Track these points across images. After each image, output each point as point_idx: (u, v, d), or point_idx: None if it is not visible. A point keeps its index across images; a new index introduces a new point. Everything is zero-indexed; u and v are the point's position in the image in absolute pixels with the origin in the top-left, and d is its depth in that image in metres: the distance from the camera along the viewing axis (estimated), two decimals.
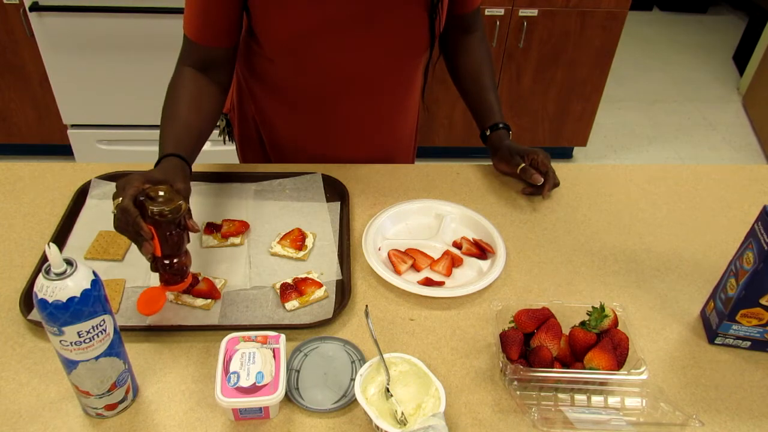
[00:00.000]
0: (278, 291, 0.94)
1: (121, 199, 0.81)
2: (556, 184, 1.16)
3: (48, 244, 0.64)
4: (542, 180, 1.12)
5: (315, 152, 1.23)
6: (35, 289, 0.66)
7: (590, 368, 0.79)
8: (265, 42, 1.04)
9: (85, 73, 2.25)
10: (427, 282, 0.98)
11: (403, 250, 1.03)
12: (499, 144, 1.19)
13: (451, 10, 1.13)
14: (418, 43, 1.08)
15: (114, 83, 2.28)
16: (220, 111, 1.08)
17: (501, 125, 1.21)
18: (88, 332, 0.68)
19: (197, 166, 1.18)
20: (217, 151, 2.43)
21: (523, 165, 1.15)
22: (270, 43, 1.04)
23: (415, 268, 1.01)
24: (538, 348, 0.81)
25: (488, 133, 1.21)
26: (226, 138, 1.36)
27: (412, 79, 1.19)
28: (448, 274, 1.00)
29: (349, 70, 1.09)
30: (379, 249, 1.04)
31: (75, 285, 0.65)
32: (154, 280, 0.95)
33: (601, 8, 2.41)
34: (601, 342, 0.81)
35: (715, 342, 0.90)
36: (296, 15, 0.99)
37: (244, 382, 0.75)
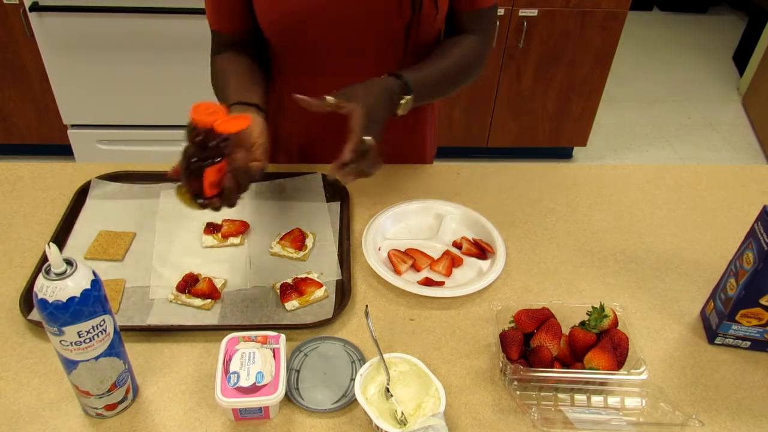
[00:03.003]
0: (278, 291, 0.94)
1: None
2: (363, 172, 0.89)
3: (48, 244, 0.64)
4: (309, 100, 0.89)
5: (316, 150, 1.23)
6: (35, 289, 0.66)
7: (590, 368, 0.79)
8: (261, 22, 1.05)
9: (85, 73, 2.26)
10: (427, 282, 0.98)
11: (403, 250, 1.03)
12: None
13: (450, 5, 1.06)
14: (398, 21, 1.01)
15: (114, 83, 2.28)
16: (267, 75, 1.12)
17: (402, 78, 0.97)
18: (88, 332, 0.68)
19: None
20: None
21: (330, 99, 0.90)
22: (265, 23, 1.05)
23: (415, 268, 1.01)
24: (538, 348, 0.81)
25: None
26: None
27: (397, 64, 1.08)
28: (448, 274, 1.00)
29: (342, 49, 1.07)
30: (379, 249, 1.04)
31: (75, 285, 0.65)
32: (155, 280, 0.95)
33: (601, 8, 2.41)
34: (601, 342, 0.81)
35: (715, 342, 0.90)
36: None
37: (244, 382, 0.75)
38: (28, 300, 0.89)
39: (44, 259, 0.97)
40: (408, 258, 1.02)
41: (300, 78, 1.13)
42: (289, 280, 0.95)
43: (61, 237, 1.02)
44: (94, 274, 0.68)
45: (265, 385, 0.75)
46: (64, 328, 0.67)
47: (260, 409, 0.76)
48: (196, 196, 0.82)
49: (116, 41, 2.18)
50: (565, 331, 0.84)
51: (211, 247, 1.02)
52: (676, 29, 4.28)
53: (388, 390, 0.78)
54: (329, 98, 0.88)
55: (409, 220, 1.11)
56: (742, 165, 1.30)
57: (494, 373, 0.85)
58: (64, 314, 0.66)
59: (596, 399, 0.81)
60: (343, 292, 0.94)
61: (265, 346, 0.80)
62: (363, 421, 0.78)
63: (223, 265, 0.99)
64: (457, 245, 1.06)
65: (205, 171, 0.79)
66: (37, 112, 2.51)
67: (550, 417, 0.78)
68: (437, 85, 1.06)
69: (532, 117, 2.72)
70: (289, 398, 0.79)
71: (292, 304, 0.92)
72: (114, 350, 0.73)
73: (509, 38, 2.46)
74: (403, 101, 0.97)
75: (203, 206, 0.83)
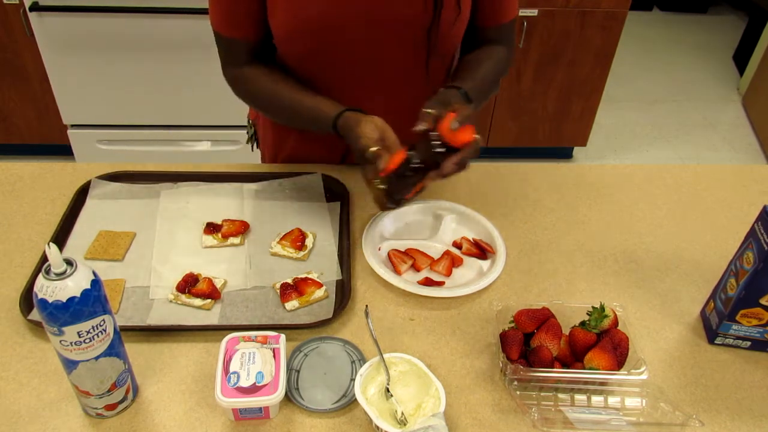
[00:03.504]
0: (278, 291, 0.94)
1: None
2: (461, 165, 0.89)
3: (48, 244, 0.64)
4: (418, 127, 0.88)
5: (330, 159, 1.21)
6: (35, 289, 0.66)
7: (590, 368, 0.79)
8: (278, 33, 1.01)
9: (85, 73, 2.25)
10: (427, 282, 0.98)
11: (403, 250, 1.03)
12: (438, 94, 0.98)
13: (473, 20, 1.07)
14: (421, 25, 1.01)
15: (114, 83, 2.28)
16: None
17: (461, 90, 0.98)
18: (88, 332, 0.68)
19: (197, 166, 1.18)
20: (221, 152, 2.44)
21: (425, 110, 0.89)
22: (281, 34, 1.01)
23: (415, 268, 1.01)
24: (538, 348, 0.81)
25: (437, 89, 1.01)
26: (254, 145, 1.33)
27: (421, 72, 1.10)
28: (448, 274, 1.00)
29: (357, 60, 1.04)
30: (379, 249, 1.04)
31: (75, 285, 0.65)
32: (155, 280, 0.95)
33: (601, 8, 2.41)
34: (601, 342, 0.81)
35: (715, 342, 0.90)
36: (307, 1, 0.96)
37: (244, 382, 0.75)
38: (28, 300, 0.89)
39: (44, 259, 0.97)
40: (408, 258, 1.02)
41: (311, 81, 1.08)
42: (289, 280, 0.95)
43: (61, 237, 1.02)
44: (94, 274, 0.68)
45: (265, 385, 0.75)
46: (64, 328, 0.67)
47: (260, 409, 0.76)
48: (392, 194, 0.89)
49: (116, 41, 2.18)
50: (565, 331, 0.84)
51: (211, 247, 1.02)
52: (676, 29, 4.28)
53: (388, 390, 0.78)
54: (430, 110, 0.89)
55: (409, 220, 1.11)
56: (742, 165, 1.30)
57: (494, 373, 0.85)
58: (64, 314, 0.66)
59: (596, 399, 0.81)
60: (343, 292, 0.94)
61: (265, 346, 0.80)
62: (363, 421, 0.78)
63: (223, 265, 0.99)
64: (457, 245, 1.06)
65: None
66: (37, 112, 2.51)
67: (550, 417, 0.78)
68: (482, 97, 1.07)
69: (532, 117, 2.72)
70: (289, 398, 0.79)
71: (292, 304, 0.92)
72: (114, 350, 0.73)
73: None
74: None
75: (396, 203, 0.91)
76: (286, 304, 0.92)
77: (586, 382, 0.80)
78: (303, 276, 0.96)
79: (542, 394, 0.81)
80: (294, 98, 1.04)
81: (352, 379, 0.82)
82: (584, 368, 0.80)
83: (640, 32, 4.13)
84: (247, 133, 1.33)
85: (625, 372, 0.80)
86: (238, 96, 1.11)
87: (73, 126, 2.42)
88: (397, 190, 0.89)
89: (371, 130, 0.92)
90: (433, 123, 0.88)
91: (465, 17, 1.04)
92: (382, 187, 0.89)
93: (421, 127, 0.88)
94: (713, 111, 3.42)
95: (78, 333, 0.68)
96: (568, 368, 0.81)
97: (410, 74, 1.09)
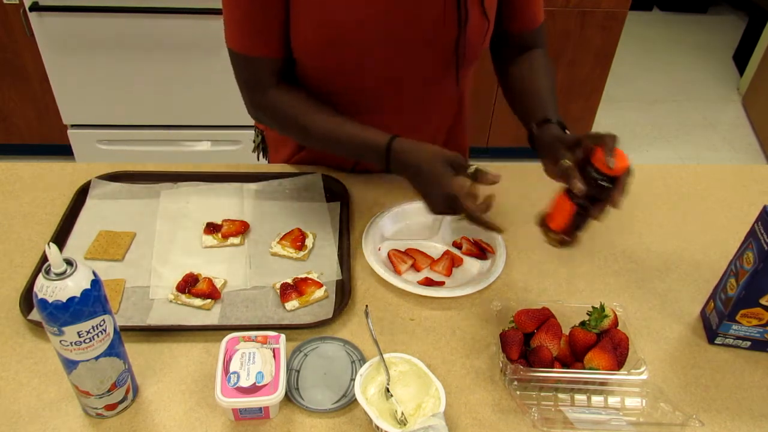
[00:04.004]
0: (278, 291, 0.94)
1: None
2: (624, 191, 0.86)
3: (48, 244, 0.64)
4: (582, 187, 0.81)
5: (342, 166, 1.20)
6: (35, 289, 0.66)
7: (590, 368, 0.79)
8: (299, 42, 0.97)
9: (85, 73, 2.25)
10: (427, 282, 0.98)
11: (403, 250, 1.03)
12: (549, 137, 0.93)
13: (501, 25, 1.05)
14: (448, 32, 0.98)
15: (114, 83, 2.28)
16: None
17: (554, 121, 0.95)
18: (88, 332, 0.68)
19: (197, 166, 1.18)
20: (221, 152, 2.44)
21: (566, 162, 0.83)
22: (302, 42, 0.97)
23: (415, 268, 1.01)
24: (538, 348, 0.81)
25: (535, 130, 0.96)
26: (260, 155, 1.32)
27: (447, 85, 1.09)
28: (448, 274, 1.00)
29: (383, 73, 1.01)
30: (379, 249, 1.04)
31: (75, 285, 0.65)
32: (155, 280, 0.95)
33: (601, 8, 2.41)
34: (601, 342, 0.81)
35: (715, 342, 0.90)
36: (331, 12, 0.93)
37: (244, 382, 0.75)
38: (28, 300, 0.89)
39: (44, 259, 0.97)
40: (408, 258, 1.02)
41: (331, 94, 1.04)
42: (289, 280, 0.95)
43: (61, 237, 1.02)
44: (94, 274, 0.68)
45: (265, 385, 0.75)
46: (64, 328, 0.67)
47: (260, 409, 0.76)
48: (566, 243, 0.88)
49: (116, 41, 2.18)
50: (565, 331, 0.84)
51: (211, 247, 1.02)
52: (676, 29, 4.28)
53: (388, 390, 0.78)
54: (566, 161, 0.84)
55: (409, 220, 1.11)
56: (742, 165, 1.30)
57: (494, 373, 0.85)
58: (64, 314, 0.66)
59: (596, 399, 0.81)
60: (343, 292, 0.94)
61: (265, 346, 0.80)
62: (363, 421, 0.78)
63: (223, 265, 0.99)
64: (457, 245, 1.06)
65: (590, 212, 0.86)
66: (37, 112, 2.51)
67: (550, 417, 0.78)
68: (554, 97, 1.04)
69: None
70: (289, 398, 0.79)
71: (292, 304, 0.92)
72: (114, 350, 0.73)
73: None
74: None
75: (566, 244, 0.89)
76: (286, 304, 0.92)
77: (586, 382, 0.80)
78: (303, 276, 0.96)
79: (542, 394, 0.81)
80: (332, 126, 0.98)
81: (352, 379, 0.82)
82: (584, 368, 0.80)
83: (640, 32, 4.13)
84: (254, 141, 1.33)
85: (625, 372, 0.80)
86: (266, 123, 1.08)
87: (73, 126, 2.42)
88: (571, 235, 0.88)
89: (449, 154, 0.88)
90: (574, 171, 0.83)
91: (492, 25, 1.03)
92: (558, 237, 0.88)
93: (578, 184, 0.82)
94: (713, 111, 3.42)
95: (78, 333, 0.68)
96: (568, 368, 0.81)
97: (440, 86, 1.08)
